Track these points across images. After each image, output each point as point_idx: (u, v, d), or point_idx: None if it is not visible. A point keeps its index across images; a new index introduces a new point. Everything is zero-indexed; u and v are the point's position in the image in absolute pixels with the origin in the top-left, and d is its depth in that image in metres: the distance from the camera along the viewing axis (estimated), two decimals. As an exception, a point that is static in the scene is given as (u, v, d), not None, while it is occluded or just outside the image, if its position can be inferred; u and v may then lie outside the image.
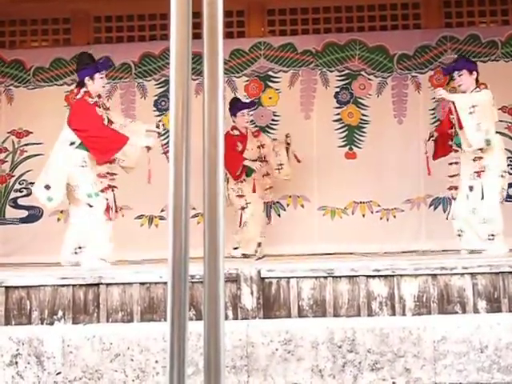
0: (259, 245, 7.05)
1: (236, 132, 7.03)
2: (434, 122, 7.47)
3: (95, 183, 5.66)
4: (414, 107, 7.70)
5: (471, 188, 5.90)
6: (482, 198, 5.83)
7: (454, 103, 5.88)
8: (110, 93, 7.79)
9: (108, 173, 5.81)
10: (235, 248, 6.95)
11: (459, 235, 6.02)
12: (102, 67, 5.88)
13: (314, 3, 7.93)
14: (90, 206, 5.63)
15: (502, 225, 5.84)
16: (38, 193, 5.69)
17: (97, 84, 5.79)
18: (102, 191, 5.68)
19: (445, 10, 7.93)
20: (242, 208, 6.95)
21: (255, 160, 7.01)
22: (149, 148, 5.83)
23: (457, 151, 6.13)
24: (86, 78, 5.77)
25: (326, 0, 7.91)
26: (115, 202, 5.83)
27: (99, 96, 5.89)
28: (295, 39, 7.89)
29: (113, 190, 5.82)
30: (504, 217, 5.92)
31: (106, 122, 5.83)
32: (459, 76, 6.04)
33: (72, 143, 5.66)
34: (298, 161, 7.11)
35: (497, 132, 6.10)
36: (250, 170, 6.99)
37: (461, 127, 5.87)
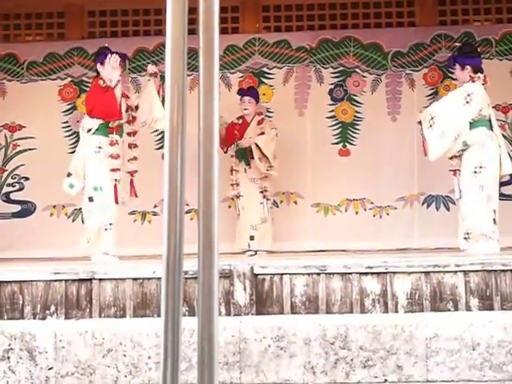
0: (252, 238, 6.96)
1: (240, 120, 7.04)
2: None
3: (105, 175, 5.75)
4: (408, 104, 7.70)
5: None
6: (460, 197, 5.79)
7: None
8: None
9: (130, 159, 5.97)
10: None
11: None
12: (112, 52, 5.95)
13: (309, 0, 7.92)
14: (91, 201, 5.71)
15: (486, 223, 5.66)
16: (64, 182, 5.86)
17: (107, 68, 5.87)
18: (114, 171, 5.78)
19: (439, 8, 7.93)
20: (238, 197, 6.96)
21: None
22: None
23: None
24: (98, 64, 5.96)
25: (321, -3, 7.92)
26: (133, 186, 5.96)
27: (116, 84, 5.90)
28: (290, 36, 7.88)
29: (132, 175, 5.97)
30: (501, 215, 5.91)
31: (124, 110, 5.96)
32: (455, 70, 6.12)
33: (89, 130, 5.82)
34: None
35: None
36: (246, 160, 6.99)
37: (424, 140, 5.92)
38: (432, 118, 5.79)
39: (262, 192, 6.98)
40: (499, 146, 5.81)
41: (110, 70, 5.84)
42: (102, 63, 5.89)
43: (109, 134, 5.81)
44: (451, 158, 5.86)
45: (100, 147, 5.75)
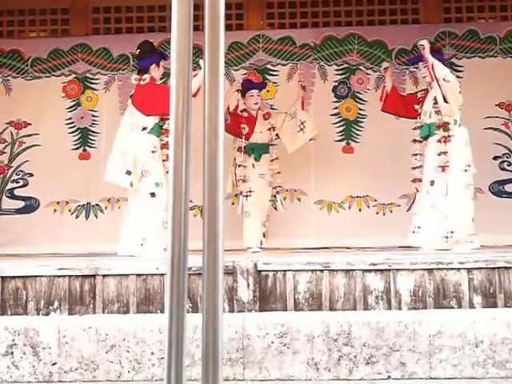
0: (264, 235, 6.81)
1: (245, 114, 6.90)
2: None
3: (163, 173, 5.81)
4: (412, 102, 7.68)
5: (432, 182, 5.82)
6: (446, 193, 5.70)
7: (433, 65, 5.81)
8: (107, 84, 7.77)
9: None
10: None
11: (414, 232, 5.88)
12: (164, 56, 6.18)
13: (313, -3, 7.92)
14: (153, 196, 5.76)
15: (469, 222, 5.66)
16: (118, 177, 5.84)
17: (160, 71, 6.11)
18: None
19: (444, 6, 7.92)
20: (245, 196, 6.71)
21: (267, 144, 6.88)
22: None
23: (421, 142, 6.09)
24: (153, 65, 6.05)
25: (325, -7, 7.91)
26: None
27: None
28: (294, 32, 7.88)
29: None
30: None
31: None
32: (424, 67, 5.99)
33: (144, 128, 5.88)
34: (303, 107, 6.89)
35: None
36: (258, 154, 6.85)
37: (432, 80, 5.84)
38: (445, 80, 5.74)
39: (275, 188, 6.86)
40: None
41: (159, 75, 6.09)
42: (158, 65, 6.05)
43: (161, 135, 5.92)
44: (439, 154, 5.79)
45: (155, 146, 5.86)
